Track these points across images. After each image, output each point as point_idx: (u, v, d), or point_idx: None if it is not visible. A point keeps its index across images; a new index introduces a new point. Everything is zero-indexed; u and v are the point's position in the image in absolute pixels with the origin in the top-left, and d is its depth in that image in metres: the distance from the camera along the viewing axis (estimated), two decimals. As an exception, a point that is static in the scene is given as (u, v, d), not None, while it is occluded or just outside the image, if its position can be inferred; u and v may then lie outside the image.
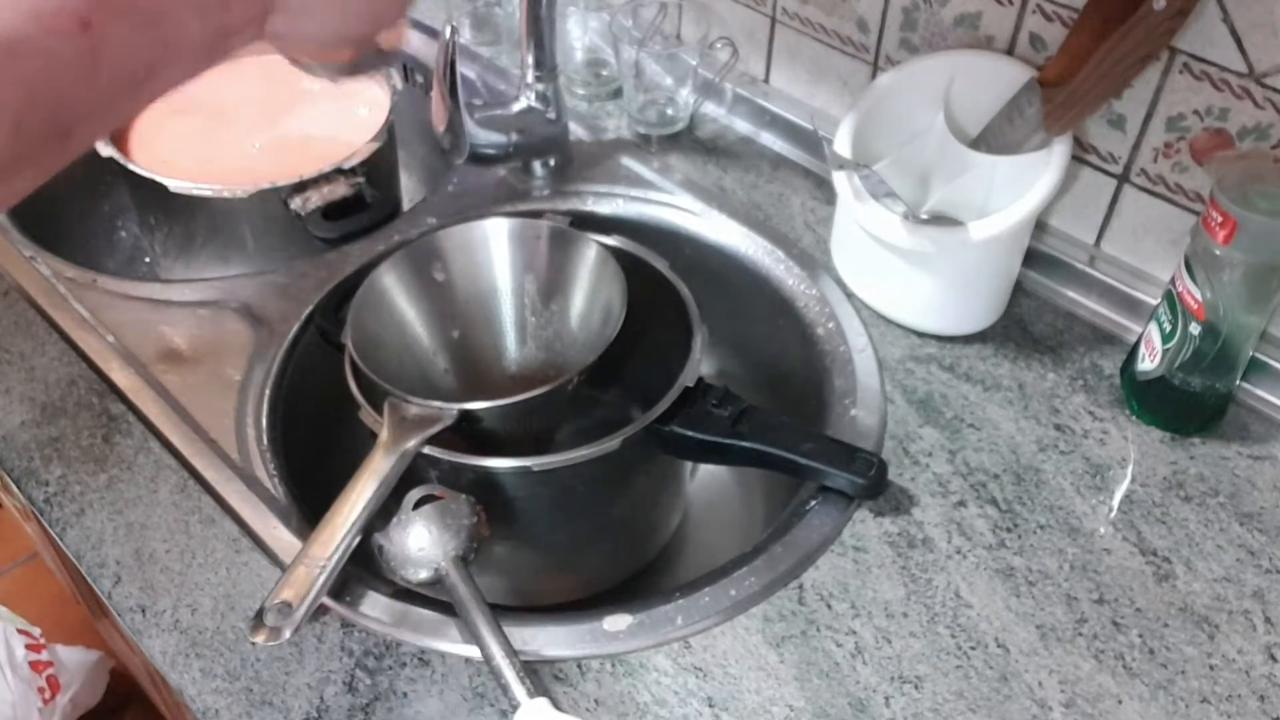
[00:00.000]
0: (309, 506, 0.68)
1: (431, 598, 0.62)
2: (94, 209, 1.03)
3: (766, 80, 0.96)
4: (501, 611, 0.60)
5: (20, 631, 1.35)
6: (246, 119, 0.94)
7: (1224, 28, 0.66)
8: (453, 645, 0.61)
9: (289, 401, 0.75)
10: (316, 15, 0.48)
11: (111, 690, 1.47)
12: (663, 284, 0.74)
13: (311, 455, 0.75)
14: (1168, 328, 0.70)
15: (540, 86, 0.85)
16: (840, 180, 0.75)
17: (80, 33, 0.38)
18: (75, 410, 0.73)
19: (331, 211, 0.86)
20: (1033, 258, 0.80)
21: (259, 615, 0.56)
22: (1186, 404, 0.71)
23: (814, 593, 0.63)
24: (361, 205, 0.88)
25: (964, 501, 0.68)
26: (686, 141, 0.95)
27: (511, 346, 0.79)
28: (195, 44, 0.44)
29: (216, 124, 0.93)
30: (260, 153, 0.91)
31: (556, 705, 0.57)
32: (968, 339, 0.78)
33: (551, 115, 0.87)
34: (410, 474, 0.62)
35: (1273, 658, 0.60)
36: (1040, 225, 0.81)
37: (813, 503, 0.67)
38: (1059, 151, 0.72)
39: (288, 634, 0.56)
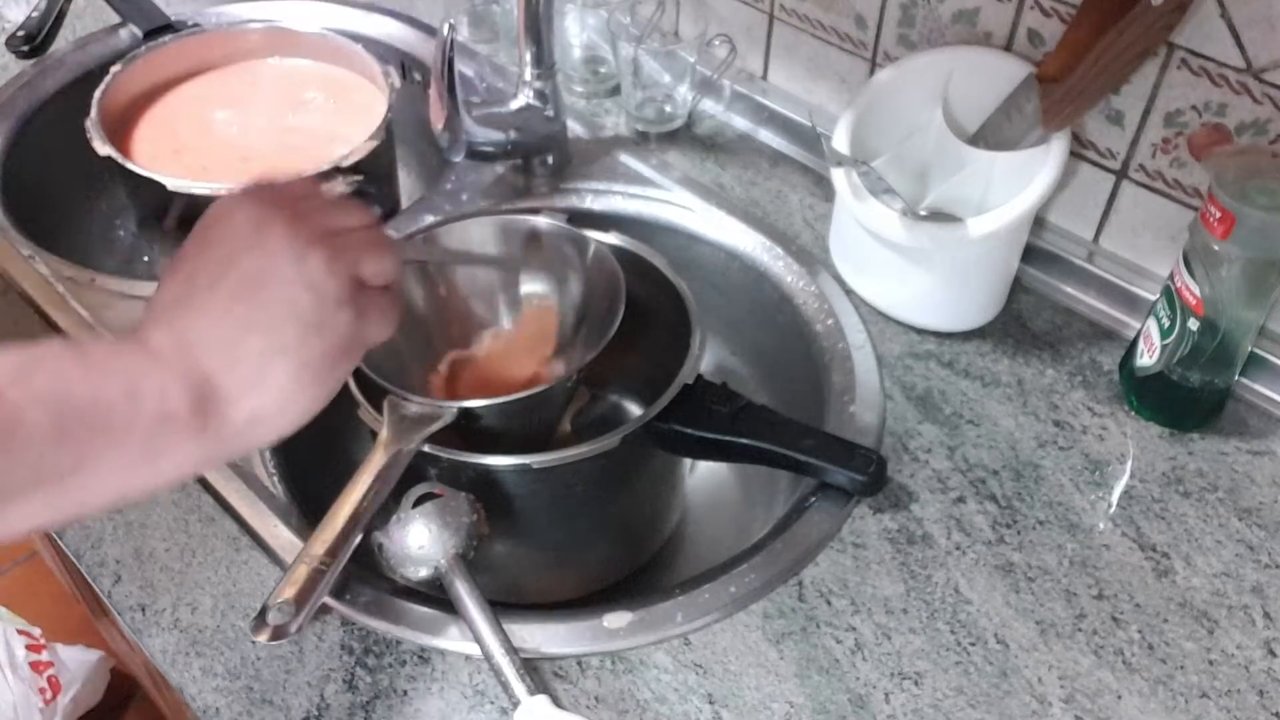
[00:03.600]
0: (309, 505, 0.68)
1: (431, 596, 0.62)
2: (92, 208, 1.03)
3: (765, 77, 0.96)
4: (501, 609, 0.60)
5: (21, 632, 1.35)
6: (247, 118, 0.94)
7: (1222, 23, 0.66)
8: (453, 643, 0.61)
9: (288, 400, 0.75)
10: (280, 409, 0.46)
11: (112, 689, 1.47)
12: (661, 281, 0.74)
13: (311, 454, 0.75)
14: (1166, 323, 0.70)
15: (538, 84, 0.85)
16: (838, 177, 0.75)
17: None
18: (74, 410, 0.73)
19: (330, 210, 0.86)
20: (1031, 254, 0.80)
21: (261, 614, 0.56)
22: (1185, 399, 0.71)
23: (814, 589, 0.63)
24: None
25: (963, 498, 0.68)
26: (685, 138, 0.95)
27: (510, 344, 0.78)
28: (129, 438, 0.42)
29: (217, 122, 0.93)
30: (259, 151, 0.91)
31: (557, 702, 0.57)
32: (966, 335, 0.78)
33: (549, 113, 0.87)
34: (410, 472, 0.62)
35: (1272, 653, 0.61)
36: (1039, 221, 0.81)
37: (812, 499, 0.67)
38: (1057, 147, 0.72)
39: (291, 633, 0.56)
